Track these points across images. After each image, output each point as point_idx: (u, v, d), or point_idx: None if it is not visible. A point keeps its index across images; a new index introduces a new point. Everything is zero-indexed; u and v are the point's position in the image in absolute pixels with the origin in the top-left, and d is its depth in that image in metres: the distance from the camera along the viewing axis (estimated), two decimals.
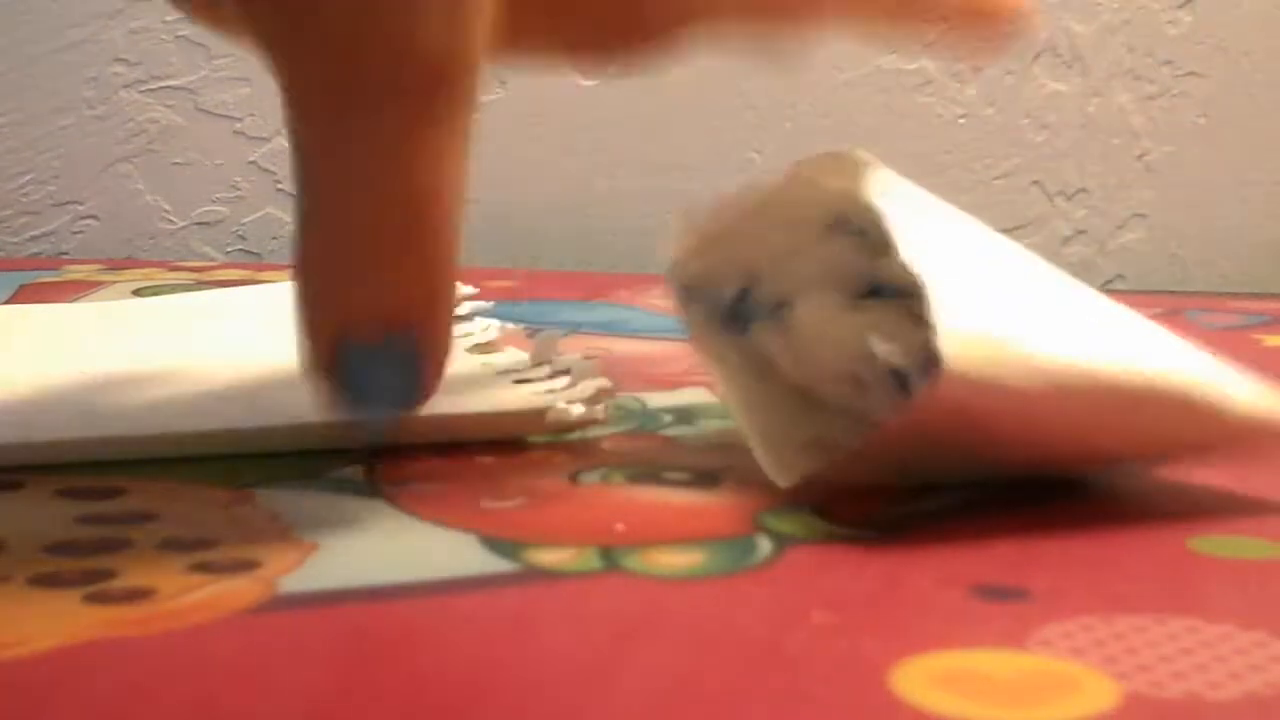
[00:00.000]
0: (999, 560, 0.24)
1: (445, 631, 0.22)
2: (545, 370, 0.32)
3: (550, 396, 0.31)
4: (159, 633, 0.22)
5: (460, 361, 0.32)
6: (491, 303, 0.39)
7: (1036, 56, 0.60)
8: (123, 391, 0.31)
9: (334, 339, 0.23)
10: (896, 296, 0.26)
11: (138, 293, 0.45)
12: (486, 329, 0.36)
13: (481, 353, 0.34)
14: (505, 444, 0.30)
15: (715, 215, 0.29)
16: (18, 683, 0.20)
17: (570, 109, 0.58)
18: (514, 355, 0.34)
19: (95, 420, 0.29)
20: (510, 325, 0.39)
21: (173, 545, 0.25)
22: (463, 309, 0.37)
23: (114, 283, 0.46)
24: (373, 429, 0.27)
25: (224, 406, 0.31)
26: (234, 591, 0.23)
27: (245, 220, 0.57)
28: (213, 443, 0.29)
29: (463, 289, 0.39)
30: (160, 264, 0.51)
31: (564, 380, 0.32)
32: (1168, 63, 0.60)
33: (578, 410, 0.30)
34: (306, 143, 0.23)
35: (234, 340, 0.36)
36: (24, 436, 0.29)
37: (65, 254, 0.58)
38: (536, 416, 0.30)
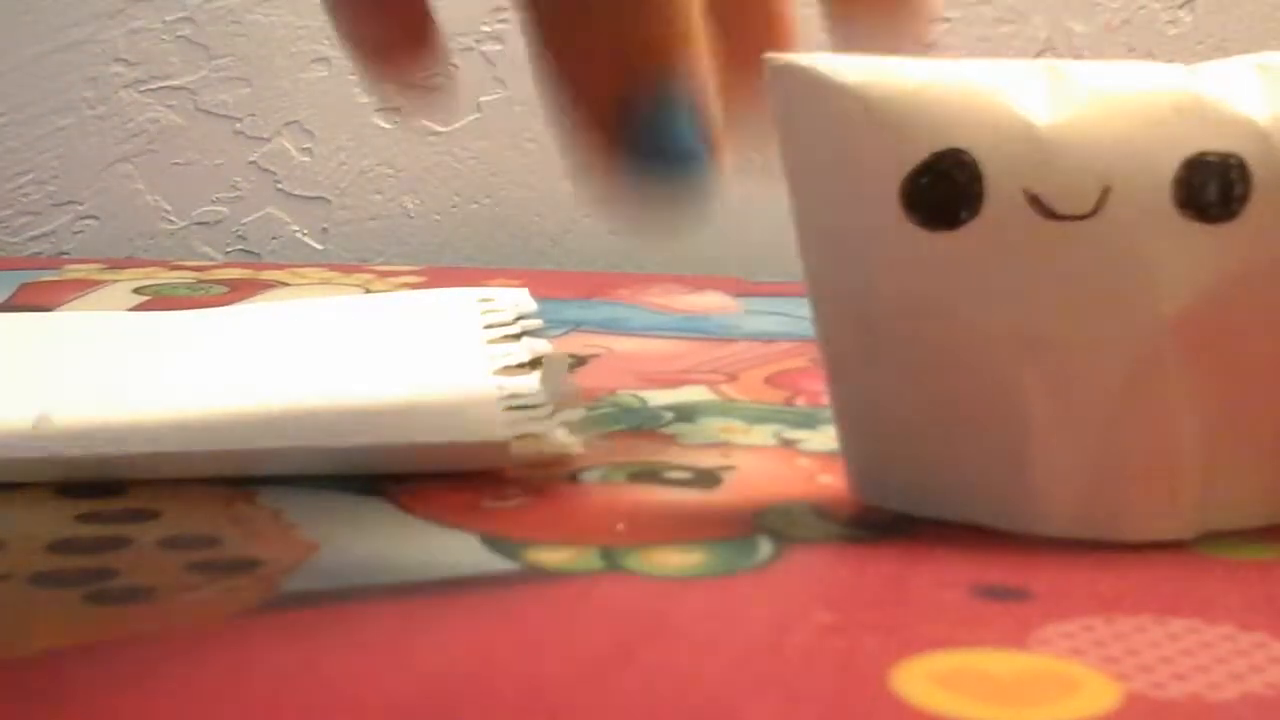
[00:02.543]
0: (999, 560, 0.24)
1: (446, 631, 0.22)
2: (544, 397, 0.30)
3: (531, 425, 0.29)
4: (160, 632, 0.22)
5: (475, 386, 0.31)
6: (542, 322, 0.36)
7: (1037, 56, 0.60)
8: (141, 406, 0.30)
9: (614, 92, 0.22)
10: None
11: (138, 291, 0.45)
12: (523, 350, 0.33)
13: (506, 375, 0.32)
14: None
15: None
16: (18, 682, 0.20)
17: None
18: (528, 382, 0.31)
19: (111, 436, 0.29)
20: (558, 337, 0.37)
21: (173, 544, 0.25)
22: (514, 329, 0.35)
23: (114, 282, 0.46)
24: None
25: (236, 425, 0.29)
26: (235, 591, 0.23)
27: (245, 220, 0.57)
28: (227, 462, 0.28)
29: (526, 301, 0.38)
30: (160, 263, 0.51)
31: (548, 409, 0.30)
32: (1168, 63, 0.61)
33: (555, 442, 0.29)
34: None
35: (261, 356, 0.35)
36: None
37: (65, 254, 0.57)
38: (500, 449, 0.28)
